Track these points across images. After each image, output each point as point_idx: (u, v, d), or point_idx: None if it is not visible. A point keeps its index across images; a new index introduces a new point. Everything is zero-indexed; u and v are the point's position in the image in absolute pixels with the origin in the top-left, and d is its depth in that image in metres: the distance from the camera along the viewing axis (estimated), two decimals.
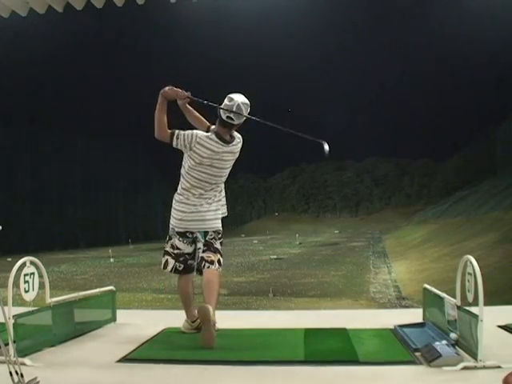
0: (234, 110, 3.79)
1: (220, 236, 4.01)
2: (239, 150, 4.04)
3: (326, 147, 3.81)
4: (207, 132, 3.97)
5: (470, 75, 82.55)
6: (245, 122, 3.95)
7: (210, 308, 3.53)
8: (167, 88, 3.90)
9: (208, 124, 4.11)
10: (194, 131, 3.94)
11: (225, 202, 4.18)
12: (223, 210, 4.13)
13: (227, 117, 3.83)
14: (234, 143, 3.96)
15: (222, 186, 4.10)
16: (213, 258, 3.88)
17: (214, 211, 3.97)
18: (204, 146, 3.85)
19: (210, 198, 3.96)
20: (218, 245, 3.96)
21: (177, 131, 3.89)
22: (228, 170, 4.03)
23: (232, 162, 4.02)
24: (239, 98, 3.83)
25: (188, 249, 3.99)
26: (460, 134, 75.82)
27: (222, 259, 3.95)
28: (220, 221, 4.04)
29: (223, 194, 4.14)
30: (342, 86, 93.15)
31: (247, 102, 3.86)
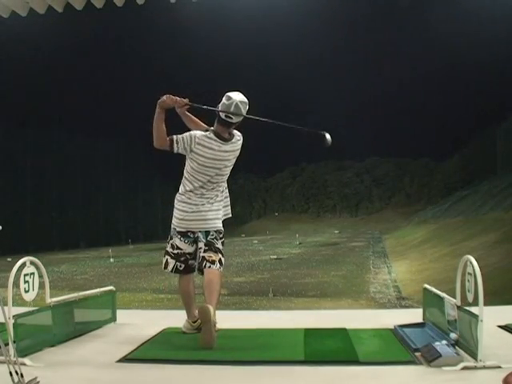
0: (232, 108, 3.78)
1: (221, 236, 4.00)
2: (240, 147, 4.03)
3: (328, 137, 3.82)
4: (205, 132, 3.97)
5: (470, 75, 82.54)
6: (244, 120, 3.94)
7: (211, 308, 3.52)
8: (165, 97, 3.87)
9: (206, 127, 4.08)
10: (192, 132, 3.93)
11: (229, 203, 4.15)
12: (227, 211, 4.12)
13: (226, 115, 3.83)
14: (233, 141, 3.95)
15: (225, 185, 4.07)
16: (214, 257, 3.87)
17: (215, 211, 3.95)
18: (204, 145, 3.84)
19: (211, 198, 3.94)
20: (219, 245, 3.95)
21: (175, 137, 3.86)
22: (229, 169, 4.01)
23: (233, 161, 4.00)
24: (237, 97, 3.81)
25: (189, 249, 3.98)
26: (460, 133, 75.70)
27: (223, 259, 3.94)
28: (221, 221, 4.03)
29: (226, 194, 4.11)
30: (342, 86, 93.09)
31: (245, 100, 3.84)
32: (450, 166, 75.56)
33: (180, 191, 4.00)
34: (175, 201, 4.00)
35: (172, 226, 4.04)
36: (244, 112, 3.84)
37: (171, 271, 4.02)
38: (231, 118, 3.83)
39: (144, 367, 3.23)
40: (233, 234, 54.94)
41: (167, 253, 4.04)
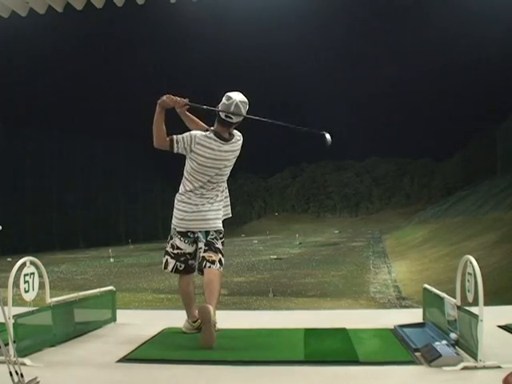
0: (232, 108, 3.77)
1: (221, 236, 3.99)
2: (240, 147, 4.02)
3: (328, 137, 3.80)
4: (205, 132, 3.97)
5: (470, 75, 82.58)
6: (244, 120, 3.93)
7: (211, 308, 3.53)
8: (165, 97, 3.87)
9: (206, 127, 4.06)
10: (192, 132, 3.93)
11: (229, 203, 4.15)
12: (227, 211, 4.12)
13: (226, 115, 3.82)
14: (233, 141, 3.94)
15: (225, 185, 4.07)
16: (214, 257, 3.87)
17: (215, 211, 3.95)
18: (204, 145, 3.84)
19: (211, 198, 3.94)
20: (219, 245, 3.95)
21: (175, 136, 3.87)
22: (229, 169, 4.01)
23: (233, 161, 4.00)
24: (237, 97, 3.80)
25: (189, 249, 3.98)
26: (460, 133, 75.81)
27: (223, 259, 3.93)
28: (221, 221, 4.04)
29: (226, 194, 4.10)
30: (343, 85, 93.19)
31: (245, 100, 3.82)
32: (450, 165, 75.59)
33: (180, 191, 4.00)
34: (175, 201, 4.00)
35: (172, 225, 4.03)
36: (244, 112, 3.84)
37: (171, 271, 4.02)
38: (231, 118, 3.82)
39: (144, 367, 3.23)
40: (233, 234, 54.95)
41: (167, 253, 4.04)
